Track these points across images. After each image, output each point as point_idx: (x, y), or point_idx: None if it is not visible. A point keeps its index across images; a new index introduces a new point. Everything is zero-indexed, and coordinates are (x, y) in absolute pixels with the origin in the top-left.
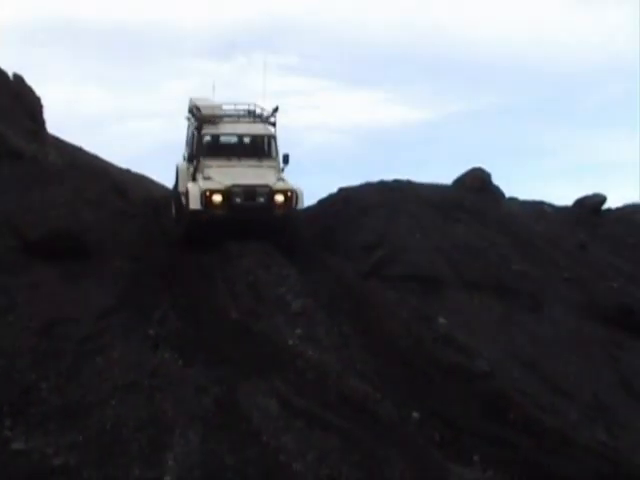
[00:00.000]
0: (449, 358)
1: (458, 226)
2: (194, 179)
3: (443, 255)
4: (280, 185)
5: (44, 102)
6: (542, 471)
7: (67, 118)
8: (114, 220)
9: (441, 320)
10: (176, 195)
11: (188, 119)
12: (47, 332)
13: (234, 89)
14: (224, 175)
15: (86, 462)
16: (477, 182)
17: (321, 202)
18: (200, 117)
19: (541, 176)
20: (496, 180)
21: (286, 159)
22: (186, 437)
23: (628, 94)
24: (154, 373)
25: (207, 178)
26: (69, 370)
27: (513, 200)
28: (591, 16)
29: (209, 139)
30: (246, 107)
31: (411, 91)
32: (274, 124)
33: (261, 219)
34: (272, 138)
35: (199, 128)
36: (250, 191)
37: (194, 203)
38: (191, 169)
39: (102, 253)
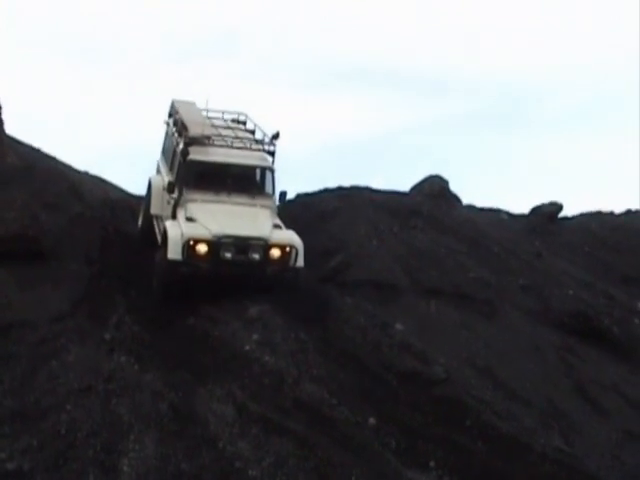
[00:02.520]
0: (406, 364)
1: (415, 233)
2: (174, 215)
3: (400, 261)
4: (278, 238)
5: (2, 103)
6: (498, 477)
7: (26, 119)
8: (71, 223)
9: (398, 326)
10: (146, 210)
11: (167, 124)
12: (2, 335)
13: (193, 94)
14: (211, 217)
15: (40, 467)
16: (435, 189)
17: (279, 208)
18: (187, 138)
19: (499, 184)
20: (454, 187)
21: (282, 197)
22: (142, 442)
23: (585, 104)
24: (110, 378)
25: (190, 219)
26: (24, 374)
27: (470, 207)
28: (549, 26)
29: (196, 168)
30: (235, 116)
31: (371, 99)
32: (273, 153)
33: (252, 276)
34: (269, 171)
35: (184, 153)
36: (242, 244)
37: (173, 252)
38: (170, 198)
39: (59, 256)
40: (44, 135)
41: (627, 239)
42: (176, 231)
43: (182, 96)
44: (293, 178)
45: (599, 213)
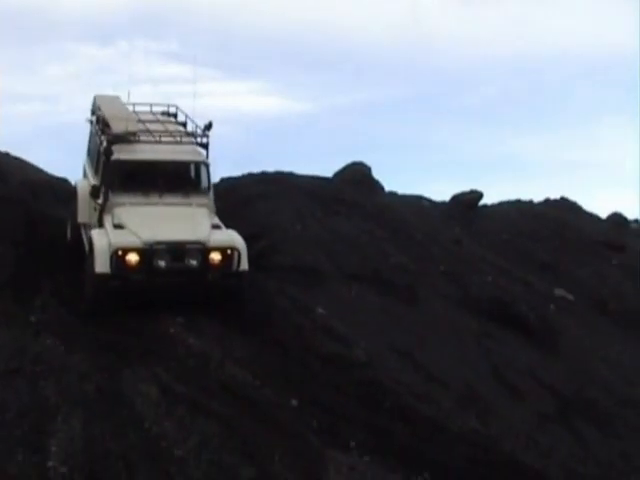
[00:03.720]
0: (327, 347)
1: (338, 218)
2: (101, 223)
3: (323, 247)
4: (217, 240)
5: None
6: (416, 457)
7: None
8: None
9: (320, 310)
10: (74, 219)
11: (91, 122)
12: None
13: (116, 75)
14: (142, 222)
15: None
16: (357, 175)
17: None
18: (110, 136)
19: (422, 171)
20: (376, 174)
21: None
22: (69, 423)
23: (507, 93)
24: (36, 360)
25: (118, 226)
26: None
27: (392, 194)
28: (478, 13)
29: (121, 168)
30: (165, 109)
31: (295, 82)
32: (206, 146)
33: (191, 285)
34: (204, 165)
35: (108, 152)
36: (178, 250)
37: (101, 265)
38: (96, 204)
39: None
40: None
41: (545, 227)
42: (103, 241)
43: (104, 76)
44: (218, 161)
45: (518, 202)
